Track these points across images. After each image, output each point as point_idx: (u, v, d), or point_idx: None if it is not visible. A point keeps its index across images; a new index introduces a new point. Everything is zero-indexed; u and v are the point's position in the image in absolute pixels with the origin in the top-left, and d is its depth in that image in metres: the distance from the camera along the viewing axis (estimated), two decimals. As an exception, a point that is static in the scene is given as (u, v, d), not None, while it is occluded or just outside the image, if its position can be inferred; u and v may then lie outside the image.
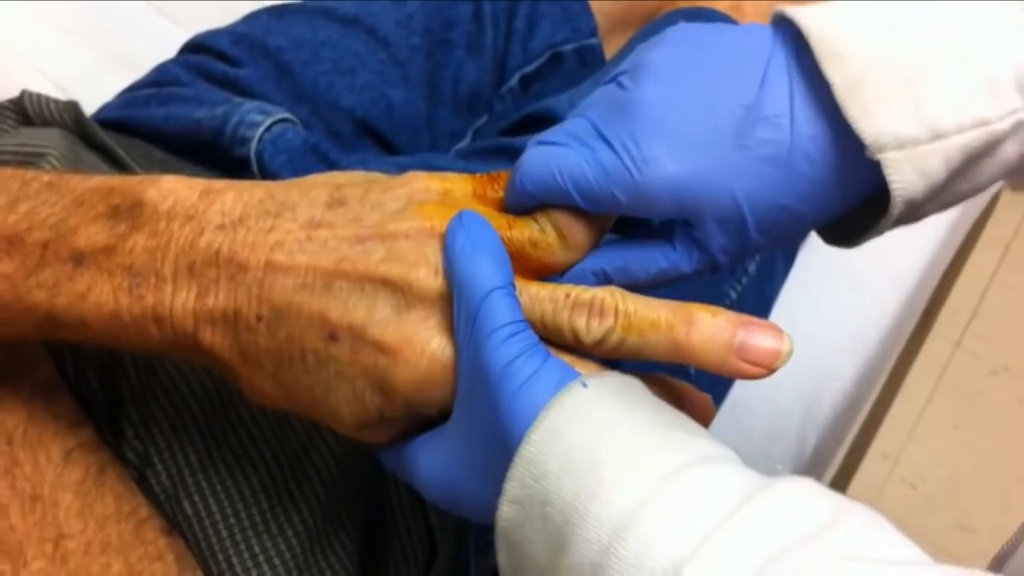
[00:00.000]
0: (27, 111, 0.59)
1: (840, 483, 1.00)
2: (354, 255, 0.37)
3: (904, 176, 0.35)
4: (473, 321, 0.35)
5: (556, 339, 0.36)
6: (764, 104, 0.36)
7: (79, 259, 0.39)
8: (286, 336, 0.37)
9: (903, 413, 1.45)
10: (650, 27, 0.81)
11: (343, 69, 0.72)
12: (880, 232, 0.40)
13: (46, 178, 0.42)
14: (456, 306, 0.36)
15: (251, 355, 0.38)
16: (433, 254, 0.36)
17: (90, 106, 0.70)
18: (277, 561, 0.48)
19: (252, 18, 0.74)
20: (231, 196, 0.39)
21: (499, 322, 0.34)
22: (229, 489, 0.48)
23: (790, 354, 0.35)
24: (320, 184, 0.40)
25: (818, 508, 0.30)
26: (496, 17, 0.78)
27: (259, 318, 0.37)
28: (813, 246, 0.85)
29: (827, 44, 0.36)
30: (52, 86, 0.80)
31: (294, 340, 0.37)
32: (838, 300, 0.85)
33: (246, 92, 0.68)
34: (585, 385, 0.34)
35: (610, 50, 0.83)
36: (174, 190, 0.40)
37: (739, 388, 0.77)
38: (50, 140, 0.55)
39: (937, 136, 0.35)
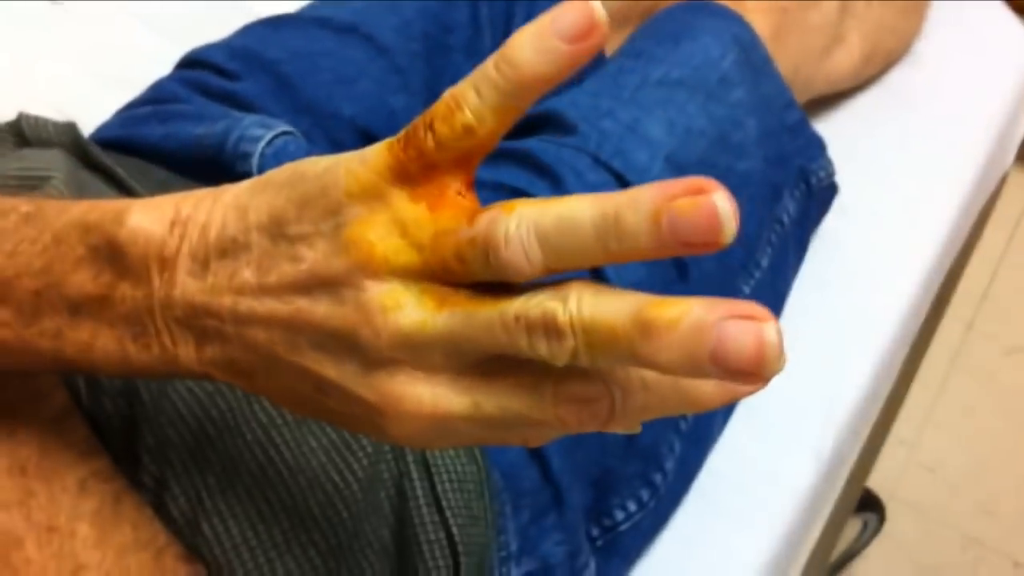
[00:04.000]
0: (24, 133, 0.58)
1: (860, 473, 0.99)
2: (304, 307, 0.34)
3: None
4: None
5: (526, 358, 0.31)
6: None
7: (75, 309, 0.38)
8: (283, 384, 0.36)
9: (919, 398, 1.44)
10: (651, 23, 0.80)
11: (342, 78, 0.71)
12: None
13: (24, 209, 0.40)
14: None
15: (262, 391, 0.37)
16: (369, 304, 0.32)
17: (87, 126, 0.69)
18: None
19: (248, 31, 0.74)
20: (197, 228, 0.36)
21: None
22: (249, 511, 0.47)
23: (778, 349, 0.27)
24: (259, 202, 0.35)
25: None
26: (494, 20, 0.78)
27: (253, 369, 0.36)
28: (828, 232, 0.85)
29: None
30: (48, 107, 0.79)
31: (289, 387, 0.36)
32: (854, 287, 0.84)
33: (245, 106, 0.68)
34: None
35: (610, 48, 0.83)
36: (142, 226, 0.37)
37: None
38: (53, 162, 0.54)
39: None
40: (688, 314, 0.28)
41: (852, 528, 1.35)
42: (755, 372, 0.27)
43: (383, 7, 0.75)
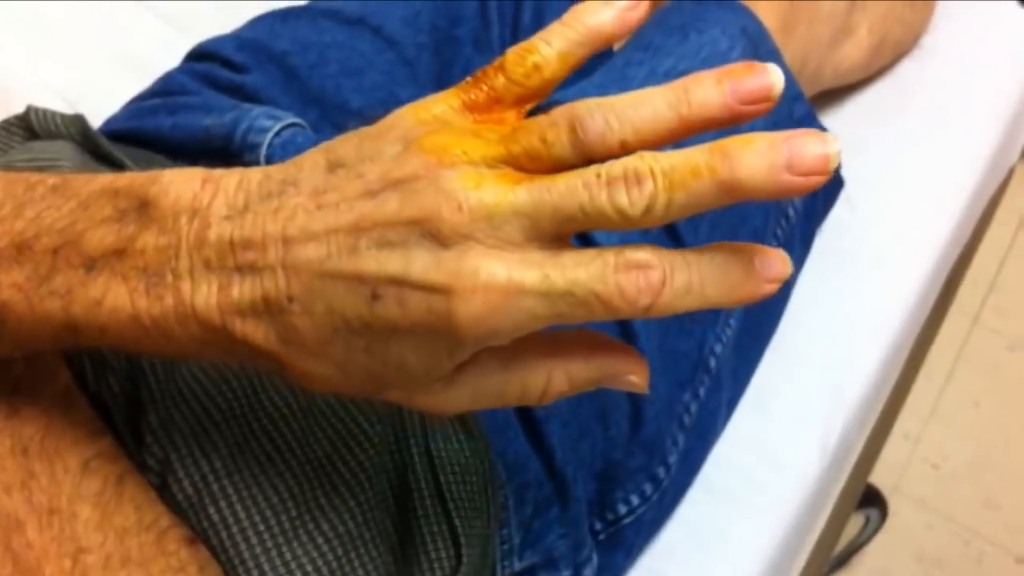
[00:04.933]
0: (34, 126, 0.59)
1: (864, 465, 0.99)
2: (370, 210, 0.35)
3: None
4: None
5: (602, 224, 0.34)
6: None
7: (91, 264, 0.38)
8: (324, 309, 0.35)
9: (923, 392, 1.44)
10: (659, 15, 0.80)
11: (350, 70, 0.71)
12: None
13: (51, 181, 0.40)
14: None
15: (290, 338, 0.36)
16: (449, 185, 0.34)
17: (97, 118, 0.69)
18: (310, 568, 0.47)
19: (257, 22, 0.74)
20: (232, 183, 0.38)
21: None
22: (256, 496, 0.47)
23: (839, 153, 0.33)
24: (313, 154, 0.38)
25: None
26: (502, 12, 0.78)
27: (290, 298, 0.36)
28: (835, 225, 0.85)
29: None
30: (58, 99, 0.80)
31: (334, 311, 0.35)
32: (861, 279, 0.84)
33: (253, 98, 0.68)
34: None
35: (617, 41, 0.83)
36: (174, 182, 0.38)
37: (758, 381, 0.77)
38: (62, 153, 0.54)
39: None
40: (758, 135, 0.33)
41: (855, 524, 1.36)
42: (824, 168, 0.32)
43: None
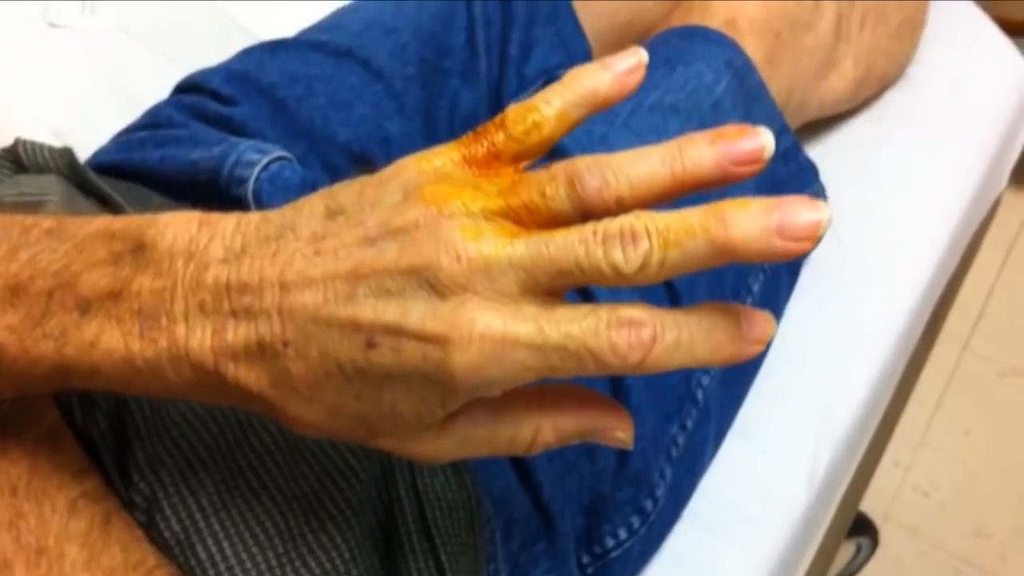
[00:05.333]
0: (21, 159, 0.59)
1: (854, 494, 0.99)
2: (369, 257, 0.35)
3: None
4: None
5: (597, 280, 0.35)
6: None
7: (85, 307, 0.38)
8: (319, 354, 0.36)
9: (913, 419, 1.44)
10: (646, 47, 0.81)
11: (338, 103, 0.71)
12: None
13: (46, 224, 0.41)
14: None
15: (283, 382, 0.37)
16: (448, 235, 0.35)
17: (86, 150, 0.70)
18: None
19: (245, 55, 0.74)
20: (230, 226, 0.38)
21: None
22: (243, 533, 0.47)
23: (830, 220, 0.34)
24: (313, 199, 0.38)
25: None
26: (489, 44, 0.78)
27: (285, 343, 0.36)
28: (821, 254, 0.85)
29: None
30: (47, 131, 0.80)
31: (328, 357, 0.36)
32: (848, 308, 0.84)
33: (241, 131, 0.68)
34: None
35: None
36: (171, 225, 0.39)
37: (746, 413, 0.77)
38: (48, 187, 0.55)
39: None
40: (753, 200, 0.34)
41: (846, 552, 1.35)
42: (814, 234, 0.33)
43: (380, 32, 0.75)
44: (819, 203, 0.34)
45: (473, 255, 0.34)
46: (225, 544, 0.47)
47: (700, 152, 0.35)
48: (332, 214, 0.37)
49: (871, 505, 1.37)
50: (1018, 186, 1.42)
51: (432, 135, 0.76)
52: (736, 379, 0.75)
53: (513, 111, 0.38)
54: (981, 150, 0.95)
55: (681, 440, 0.68)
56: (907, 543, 1.43)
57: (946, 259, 0.91)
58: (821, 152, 0.88)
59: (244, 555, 0.47)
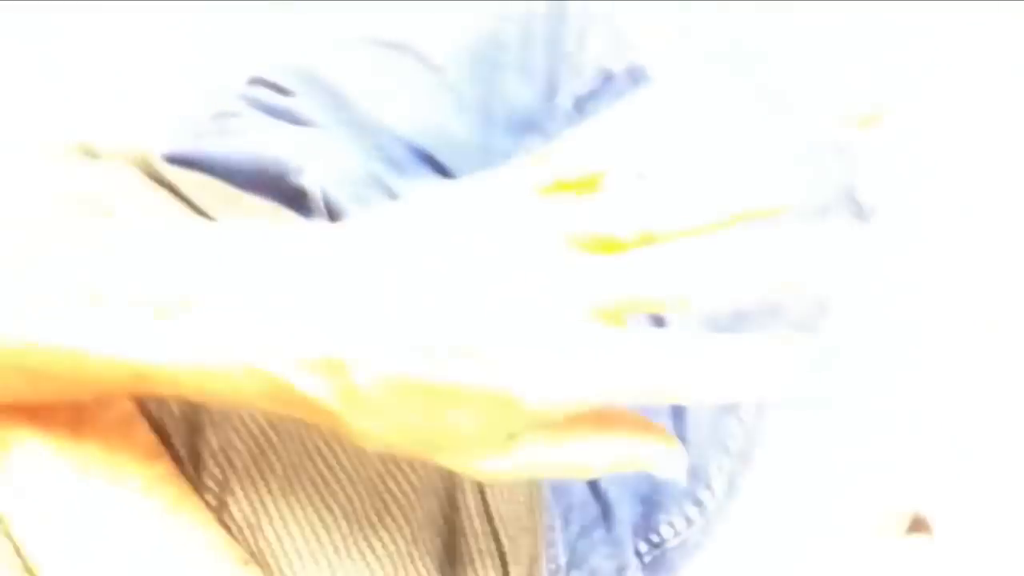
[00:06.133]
0: (95, 150, 0.60)
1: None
2: None
3: None
4: None
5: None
6: None
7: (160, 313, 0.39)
8: (387, 369, 0.36)
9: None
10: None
11: (396, 96, 0.72)
12: None
13: None
14: None
15: (350, 397, 0.37)
16: None
17: (157, 140, 0.71)
18: None
19: (305, 51, 0.75)
20: None
21: None
22: (310, 516, 0.48)
23: None
24: None
25: None
26: (545, 38, 0.79)
27: (355, 357, 0.37)
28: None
29: None
30: (117, 123, 0.81)
31: (396, 371, 0.36)
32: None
33: (301, 122, 0.69)
34: None
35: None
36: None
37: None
38: (119, 179, 0.56)
39: None
40: None
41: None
42: None
43: (435, 26, 0.76)
44: None
45: None
46: (293, 526, 0.48)
47: None
48: None
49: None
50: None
51: (488, 129, 0.76)
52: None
53: None
54: None
55: (739, 433, 0.68)
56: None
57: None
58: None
59: (311, 536, 0.48)
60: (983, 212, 0.90)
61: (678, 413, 0.64)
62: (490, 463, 0.39)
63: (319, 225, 0.40)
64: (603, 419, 0.39)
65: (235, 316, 0.38)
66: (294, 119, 0.70)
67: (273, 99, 0.71)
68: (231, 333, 0.38)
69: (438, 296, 0.36)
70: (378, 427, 0.38)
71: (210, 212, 0.58)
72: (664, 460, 0.40)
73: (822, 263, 0.34)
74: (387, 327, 0.36)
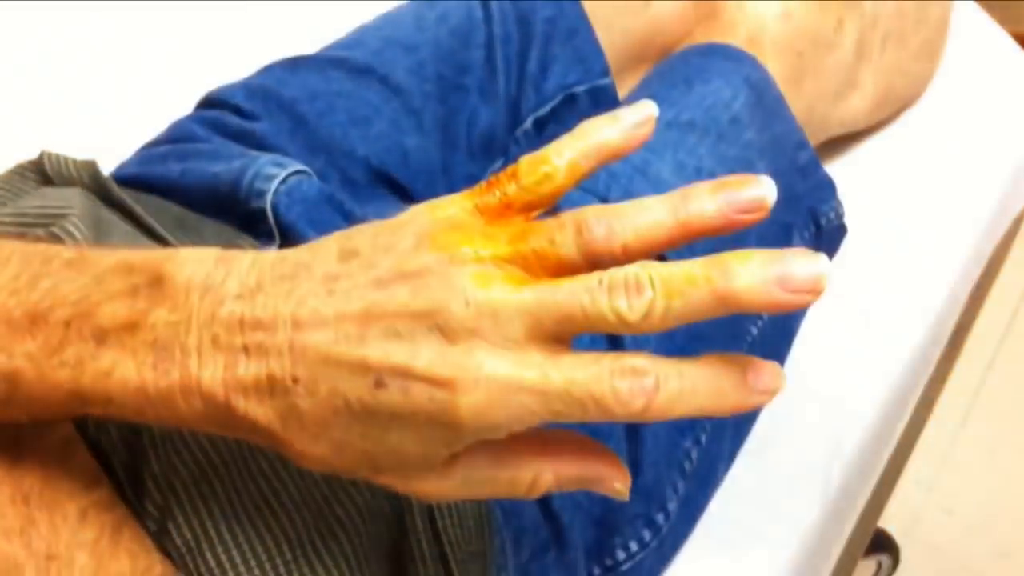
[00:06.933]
0: (47, 171, 0.60)
1: (872, 513, 0.98)
2: (381, 299, 0.37)
3: None
4: None
5: (602, 328, 0.36)
6: None
7: (102, 337, 0.40)
8: (327, 392, 0.37)
9: (936, 439, 1.43)
10: (664, 66, 0.82)
11: (357, 119, 0.73)
12: None
13: (67, 255, 0.42)
14: None
15: (291, 418, 0.38)
16: (458, 281, 0.36)
17: (111, 162, 0.71)
18: None
19: (267, 70, 0.75)
20: (246, 263, 0.40)
21: None
22: (252, 540, 0.48)
23: (830, 273, 0.34)
24: (328, 241, 0.40)
25: None
26: (508, 61, 0.79)
27: (295, 379, 0.37)
28: (837, 274, 0.85)
29: None
30: (72, 143, 0.81)
31: (337, 395, 0.37)
32: (859, 334, 0.84)
33: (262, 145, 0.69)
34: None
35: (623, 89, 0.84)
36: (188, 260, 0.40)
37: (758, 430, 0.77)
38: (71, 200, 0.56)
39: None
40: (755, 252, 0.34)
41: (866, 569, 1.35)
42: (814, 287, 0.34)
43: (399, 49, 0.76)
44: (820, 256, 0.34)
45: (482, 301, 0.35)
46: (234, 551, 0.48)
47: (703, 201, 0.36)
48: (346, 256, 0.38)
49: (893, 523, 1.36)
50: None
51: (450, 151, 0.77)
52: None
53: (525, 162, 0.39)
54: (997, 170, 0.95)
55: (695, 455, 0.68)
56: (928, 562, 1.42)
57: (961, 280, 0.91)
58: (836, 170, 0.88)
59: (253, 562, 0.48)
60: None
61: (632, 434, 0.64)
62: (433, 483, 0.39)
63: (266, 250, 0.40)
64: (546, 438, 0.40)
65: (172, 337, 0.39)
66: (255, 142, 0.70)
67: (234, 122, 0.71)
68: (168, 354, 0.39)
69: (376, 317, 0.36)
70: (319, 449, 0.38)
71: (166, 236, 0.58)
72: (608, 479, 0.40)
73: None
74: (325, 348, 0.37)
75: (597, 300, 0.35)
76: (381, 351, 0.36)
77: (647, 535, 0.66)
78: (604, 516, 0.64)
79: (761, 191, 0.36)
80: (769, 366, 0.36)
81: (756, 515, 0.74)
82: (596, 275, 0.36)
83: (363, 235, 0.39)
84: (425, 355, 0.36)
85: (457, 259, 0.37)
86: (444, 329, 0.36)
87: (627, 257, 0.36)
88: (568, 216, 0.37)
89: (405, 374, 0.36)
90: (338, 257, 0.39)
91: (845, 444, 0.79)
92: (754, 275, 0.34)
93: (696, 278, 0.34)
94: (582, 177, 0.40)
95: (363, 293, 0.37)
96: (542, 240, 0.37)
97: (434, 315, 0.36)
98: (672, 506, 0.67)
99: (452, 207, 0.39)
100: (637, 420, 0.35)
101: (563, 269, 0.37)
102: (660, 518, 0.66)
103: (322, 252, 0.39)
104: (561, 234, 0.37)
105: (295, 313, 0.37)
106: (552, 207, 0.40)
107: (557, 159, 0.39)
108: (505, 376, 0.35)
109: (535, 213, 0.40)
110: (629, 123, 0.40)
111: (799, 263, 0.34)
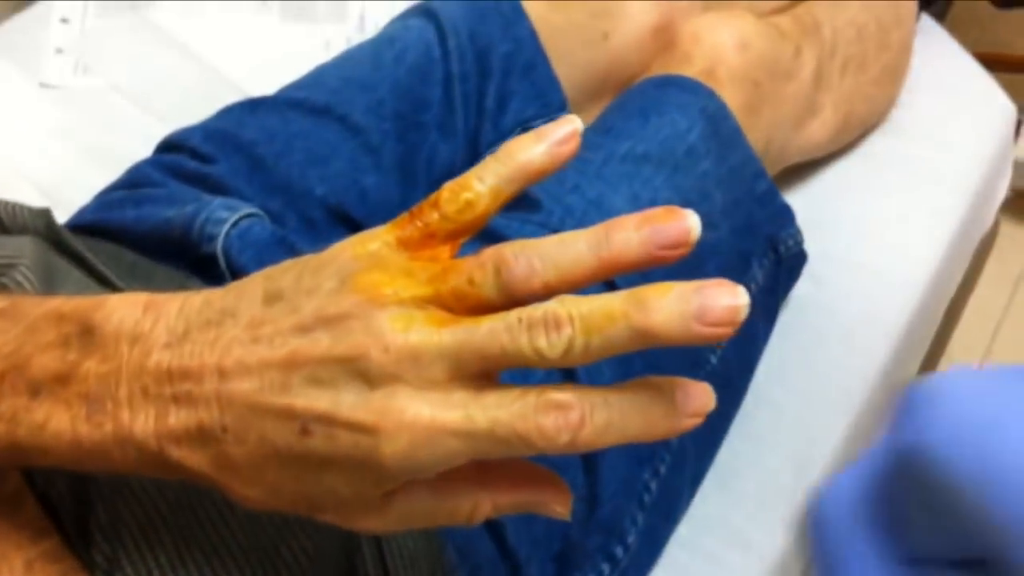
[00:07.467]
0: (1, 219, 0.61)
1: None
2: (303, 346, 0.37)
3: None
4: None
5: (523, 364, 0.36)
6: None
7: (35, 390, 0.40)
8: (256, 440, 0.37)
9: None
10: (621, 99, 0.82)
11: (315, 159, 0.73)
12: None
13: (0, 305, 0.43)
14: None
15: (224, 464, 0.38)
16: (378, 326, 0.36)
17: (72, 205, 0.72)
18: None
19: (225, 112, 0.76)
20: (174, 309, 0.40)
21: None
22: None
23: (748, 305, 0.34)
24: (254, 282, 0.40)
25: None
26: (467, 97, 0.80)
27: (224, 428, 0.38)
28: (800, 301, 0.86)
29: None
30: (33, 188, 0.82)
31: (265, 442, 0.37)
32: (827, 355, 0.84)
33: (219, 188, 0.70)
34: None
35: (584, 122, 0.84)
36: (117, 308, 0.40)
37: (723, 457, 0.77)
38: (22, 250, 0.56)
39: None
40: (674, 285, 0.34)
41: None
42: (732, 319, 0.34)
43: (357, 88, 0.77)
44: (738, 288, 0.34)
45: (401, 345, 0.35)
46: None
47: (627, 237, 0.36)
48: (271, 299, 0.39)
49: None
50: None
51: (410, 188, 0.77)
52: (713, 424, 0.76)
53: (447, 190, 0.39)
54: (962, 193, 0.95)
55: (654, 486, 0.68)
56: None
57: (925, 303, 0.91)
58: (799, 198, 0.89)
59: None
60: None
61: (590, 467, 0.64)
62: (373, 519, 0.39)
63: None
64: (483, 469, 0.40)
65: (103, 389, 0.39)
66: (212, 185, 0.70)
67: (191, 165, 0.71)
68: (100, 406, 0.39)
69: (300, 364, 0.37)
70: (255, 492, 0.39)
71: (119, 283, 0.58)
72: (548, 503, 0.40)
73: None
74: (252, 397, 0.37)
75: (517, 339, 0.35)
76: (305, 398, 0.36)
77: (606, 569, 0.66)
78: (562, 551, 0.64)
79: (685, 224, 0.36)
80: (699, 387, 0.35)
81: (720, 543, 0.74)
82: (516, 312, 0.36)
83: (287, 275, 0.39)
84: (348, 401, 0.36)
85: (378, 302, 0.36)
86: (366, 375, 0.36)
87: (548, 293, 0.36)
88: (489, 254, 0.37)
89: (330, 421, 0.36)
90: (263, 300, 0.39)
91: (812, 469, 0.79)
92: (672, 310, 0.34)
93: (614, 314, 0.34)
94: (506, 201, 0.39)
95: (286, 339, 0.37)
96: (461, 280, 0.37)
97: (355, 361, 0.36)
98: (631, 539, 0.67)
99: (375, 242, 0.39)
100: (566, 452, 0.35)
101: (484, 308, 0.37)
102: (619, 551, 0.66)
103: (247, 295, 0.39)
104: (481, 273, 0.36)
105: (220, 362, 0.38)
106: (478, 232, 0.39)
107: (479, 185, 0.38)
108: (428, 420, 0.35)
109: (460, 240, 0.39)
110: (553, 140, 0.39)
111: (717, 296, 0.34)
